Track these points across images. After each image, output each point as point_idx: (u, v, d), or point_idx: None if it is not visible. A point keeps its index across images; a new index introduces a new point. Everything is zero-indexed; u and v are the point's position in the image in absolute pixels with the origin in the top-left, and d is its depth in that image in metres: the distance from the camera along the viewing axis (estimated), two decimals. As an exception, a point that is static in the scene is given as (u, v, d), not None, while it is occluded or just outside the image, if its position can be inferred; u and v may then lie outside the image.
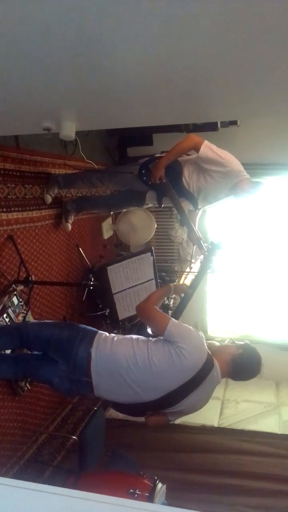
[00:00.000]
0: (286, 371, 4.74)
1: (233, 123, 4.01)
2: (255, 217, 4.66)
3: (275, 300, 4.93)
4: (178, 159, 2.97)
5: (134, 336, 2.09)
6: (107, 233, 4.49)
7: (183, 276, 4.22)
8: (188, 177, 2.94)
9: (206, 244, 2.64)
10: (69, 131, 1.72)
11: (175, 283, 2.48)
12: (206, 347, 1.98)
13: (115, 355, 1.96)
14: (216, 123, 3.83)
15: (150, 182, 2.96)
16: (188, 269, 4.23)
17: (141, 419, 2.19)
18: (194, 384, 1.93)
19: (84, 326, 2.15)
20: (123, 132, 4.35)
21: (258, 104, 1.72)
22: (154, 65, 1.27)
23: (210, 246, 2.50)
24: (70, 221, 3.48)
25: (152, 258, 2.93)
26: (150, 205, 3.29)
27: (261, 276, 4.92)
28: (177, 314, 2.62)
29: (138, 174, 3.01)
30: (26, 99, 1.56)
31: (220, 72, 1.33)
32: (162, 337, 1.98)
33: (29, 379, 2.83)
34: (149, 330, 2.33)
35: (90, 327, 2.14)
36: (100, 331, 2.11)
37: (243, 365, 2.05)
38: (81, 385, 2.03)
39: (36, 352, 2.32)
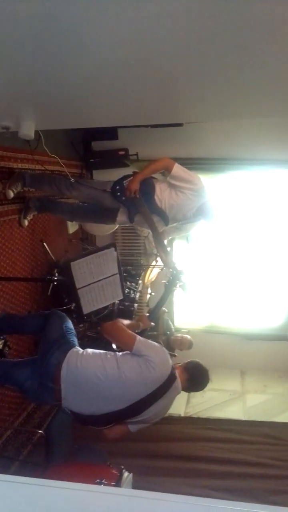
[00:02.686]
0: (251, 360, 4.91)
1: (197, 118, 4.07)
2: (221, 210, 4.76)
3: (240, 291, 5.07)
4: (150, 179, 3.15)
5: (102, 351, 2.20)
6: (72, 228, 4.48)
7: (149, 269, 4.29)
8: (160, 194, 3.11)
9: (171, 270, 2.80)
10: (28, 130, 1.73)
11: (143, 314, 2.64)
12: (170, 361, 2.16)
13: (84, 368, 2.07)
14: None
15: (123, 198, 3.08)
16: (154, 263, 4.31)
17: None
18: (160, 394, 2.09)
19: (69, 337, 2.26)
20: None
21: (229, 107, 1.77)
22: (119, 66, 1.27)
23: (175, 272, 2.66)
24: (29, 218, 3.45)
25: (115, 253, 2.94)
26: (118, 224, 3.39)
27: (226, 267, 5.05)
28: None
29: (111, 191, 3.11)
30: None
31: (188, 75, 1.36)
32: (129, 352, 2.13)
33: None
34: (114, 345, 2.44)
35: (72, 339, 2.26)
36: (76, 347, 2.22)
37: (194, 371, 2.30)
38: (48, 391, 2.11)
39: (12, 360, 2.48)
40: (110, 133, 4.53)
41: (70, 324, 2.36)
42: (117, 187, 3.11)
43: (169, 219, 3.18)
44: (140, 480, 2.80)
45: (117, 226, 4.33)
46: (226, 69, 1.28)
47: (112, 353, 2.18)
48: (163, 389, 2.09)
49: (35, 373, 2.14)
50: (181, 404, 4.21)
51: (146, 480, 3.00)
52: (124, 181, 3.11)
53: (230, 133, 4.43)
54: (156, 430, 3.78)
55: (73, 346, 2.20)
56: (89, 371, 2.06)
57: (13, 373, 2.27)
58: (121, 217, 3.25)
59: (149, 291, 4.47)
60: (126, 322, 2.37)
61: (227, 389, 4.56)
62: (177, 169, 3.03)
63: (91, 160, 4.63)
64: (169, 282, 2.75)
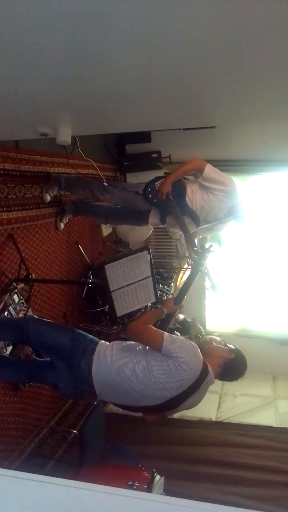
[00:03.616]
0: (283, 365, 4.81)
1: (231, 120, 4.04)
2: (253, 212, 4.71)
3: (272, 294, 4.99)
4: (181, 180, 3.13)
5: (132, 345, 2.14)
6: (106, 230, 4.54)
7: (181, 272, 4.29)
8: (192, 195, 3.09)
9: (196, 249, 2.74)
10: (65, 136, 1.77)
11: (167, 298, 2.47)
12: (200, 355, 2.06)
13: (115, 368, 2.03)
14: (213, 120, 3.88)
15: (155, 200, 3.09)
16: (186, 266, 4.31)
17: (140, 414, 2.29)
18: (192, 390, 2.03)
19: (84, 334, 2.20)
20: (122, 130, 4.39)
21: (257, 109, 1.76)
22: (149, 72, 1.30)
23: (200, 250, 2.59)
24: (64, 221, 3.53)
25: (149, 256, 2.97)
26: (150, 225, 3.41)
27: (259, 270, 4.98)
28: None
29: (143, 192, 3.12)
30: (23, 107, 1.60)
31: (217, 79, 1.36)
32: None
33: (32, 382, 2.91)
34: None
35: (90, 336, 2.20)
36: (100, 342, 2.17)
37: (234, 369, 2.16)
38: (85, 393, 2.12)
39: (38, 359, 2.44)
40: (143, 136, 4.57)
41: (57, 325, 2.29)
42: (149, 189, 3.12)
43: (200, 220, 3.16)
44: (171, 484, 2.82)
45: (150, 233, 4.36)
46: (256, 71, 1.28)
47: (142, 349, 2.11)
48: (196, 386, 2.03)
49: (62, 377, 2.14)
50: (212, 409, 4.18)
51: (177, 484, 3.01)
52: (156, 183, 3.11)
53: (263, 135, 4.37)
54: (187, 434, 3.81)
55: (95, 342, 2.16)
56: (119, 372, 2.03)
57: (42, 374, 2.31)
58: (153, 218, 3.27)
59: (181, 294, 4.47)
60: (149, 314, 2.28)
61: (259, 394, 4.49)
62: (209, 170, 3.00)
63: (124, 163, 4.68)
64: (195, 262, 2.67)
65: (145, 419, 2.22)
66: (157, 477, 2.55)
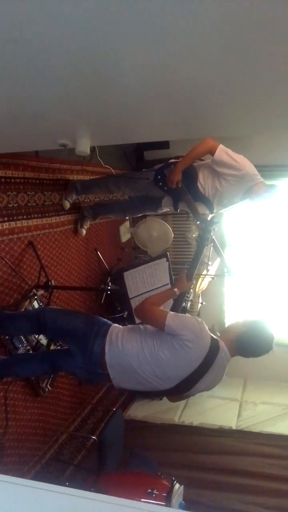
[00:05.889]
0: (305, 373, 4.71)
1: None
2: (271, 217, 4.66)
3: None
4: (192, 164, 2.98)
5: (142, 327, 2.13)
6: (124, 236, 4.55)
7: (200, 278, 4.26)
8: (203, 181, 2.95)
9: (198, 223, 2.65)
10: (84, 147, 1.80)
11: (178, 276, 2.37)
12: (208, 331, 2.01)
13: (126, 350, 2.03)
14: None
15: (166, 188, 2.99)
16: (205, 272, 4.28)
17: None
18: (204, 369, 1.98)
19: (98, 318, 2.21)
20: (140, 137, 4.41)
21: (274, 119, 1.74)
22: (168, 83, 1.31)
23: (203, 224, 2.50)
24: (85, 227, 3.57)
25: (167, 263, 2.98)
26: (166, 209, 3.34)
27: (279, 276, 4.91)
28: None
29: (153, 180, 3.04)
30: (43, 119, 1.63)
31: (236, 88, 1.36)
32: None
33: (53, 375, 2.96)
34: None
35: (104, 320, 2.20)
36: (113, 325, 2.17)
37: (249, 343, 2.02)
38: (98, 376, 2.12)
39: (57, 349, 2.47)
40: (162, 143, 4.56)
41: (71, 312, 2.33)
42: (158, 176, 3.01)
43: (214, 206, 3.03)
44: (191, 493, 2.79)
45: (170, 243, 4.33)
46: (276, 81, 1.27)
47: (152, 331, 2.09)
48: (207, 364, 1.97)
49: (79, 362, 2.14)
50: (233, 417, 4.13)
51: (196, 493, 2.98)
52: (166, 170, 3.00)
53: (283, 140, 4.32)
54: (207, 442, 3.77)
55: (108, 325, 2.15)
56: (130, 355, 2.01)
57: (62, 362, 2.32)
58: (166, 204, 3.20)
59: (200, 300, 4.44)
60: (157, 295, 2.24)
61: (280, 403, 4.41)
62: (220, 153, 2.77)
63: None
64: (199, 236, 2.56)
65: (169, 399, 2.25)
66: (177, 485, 2.53)
